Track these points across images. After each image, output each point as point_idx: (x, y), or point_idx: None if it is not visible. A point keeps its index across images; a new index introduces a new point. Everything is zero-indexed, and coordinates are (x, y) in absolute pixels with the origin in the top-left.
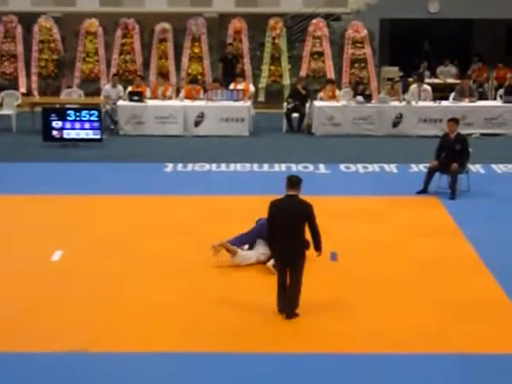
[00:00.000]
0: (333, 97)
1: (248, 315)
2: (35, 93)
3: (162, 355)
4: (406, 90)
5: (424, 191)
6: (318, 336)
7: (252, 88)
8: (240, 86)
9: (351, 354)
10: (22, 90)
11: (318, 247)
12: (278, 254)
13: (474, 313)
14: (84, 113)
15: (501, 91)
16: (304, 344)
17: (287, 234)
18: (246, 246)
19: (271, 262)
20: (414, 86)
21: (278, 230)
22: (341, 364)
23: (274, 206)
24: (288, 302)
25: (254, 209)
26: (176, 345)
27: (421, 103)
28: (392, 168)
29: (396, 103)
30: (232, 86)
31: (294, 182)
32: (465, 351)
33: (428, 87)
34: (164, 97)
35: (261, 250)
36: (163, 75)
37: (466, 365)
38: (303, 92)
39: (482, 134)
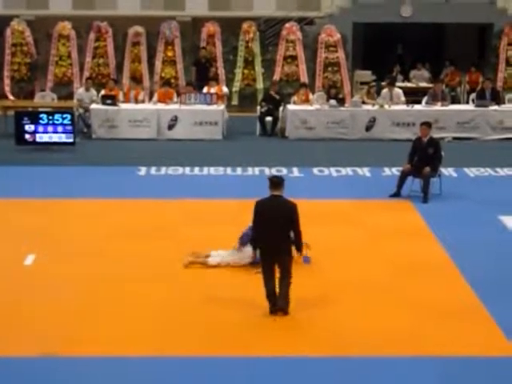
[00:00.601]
0: (306, 100)
1: (230, 318)
2: (9, 96)
3: (137, 359)
4: (379, 93)
5: (397, 195)
6: (289, 340)
7: (225, 89)
8: (213, 90)
9: (323, 358)
10: None
11: (299, 248)
12: (266, 254)
13: (447, 315)
14: (57, 116)
15: (473, 95)
16: (276, 347)
17: (275, 232)
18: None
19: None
20: (385, 90)
21: (265, 229)
22: (314, 368)
23: (261, 206)
24: (283, 300)
25: (228, 212)
26: (151, 349)
27: (394, 107)
28: (365, 171)
29: (369, 107)
30: (205, 90)
31: (276, 182)
32: (438, 354)
33: (399, 91)
34: (136, 101)
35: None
36: (136, 79)
37: (440, 367)
38: (277, 96)
39: (455, 138)
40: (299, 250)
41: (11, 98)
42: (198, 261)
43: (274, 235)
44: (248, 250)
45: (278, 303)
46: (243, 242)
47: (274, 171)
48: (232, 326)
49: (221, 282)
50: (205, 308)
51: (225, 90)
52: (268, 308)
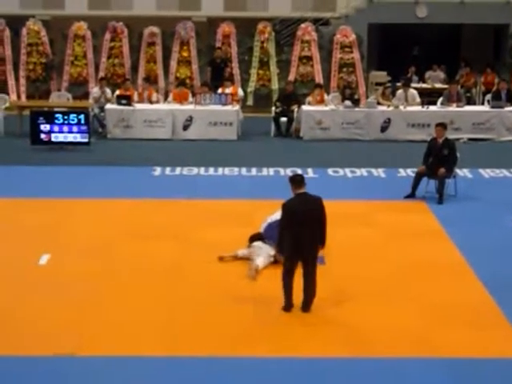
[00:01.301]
0: (321, 101)
1: (242, 315)
2: (22, 97)
3: (151, 359)
4: (394, 94)
5: (412, 196)
6: (302, 340)
7: (241, 92)
8: (228, 90)
9: (335, 358)
10: (13, 94)
11: (323, 241)
12: (297, 253)
13: (460, 317)
14: (72, 116)
15: (488, 96)
16: (287, 348)
17: (309, 231)
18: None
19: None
20: (400, 91)
21: (300, 229)
22: (324, 368)
23: (292, 206)
24: (310, 297)
25: (243, 212)
26: (165, 349)
27: (409, 108)
28: (380, 172)
29: (384, 108)
30: (220, 91)
31: (299, 180)
32: (450, 355)
33: (414, 92)
34: (150, 101)
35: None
36: (149, 79)
37: (451, 369)
38: (292, 96)
39: (470, 139)
40: (323, 243)
41: (23, 100)
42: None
43: (309, 233)
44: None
45: (304, 302)
46: (267, 235)
47: (288, 172)
48: (244, 324)
49: (231, 279)
50: (217, 306)
51: (240, 93)
52: (284, 305)
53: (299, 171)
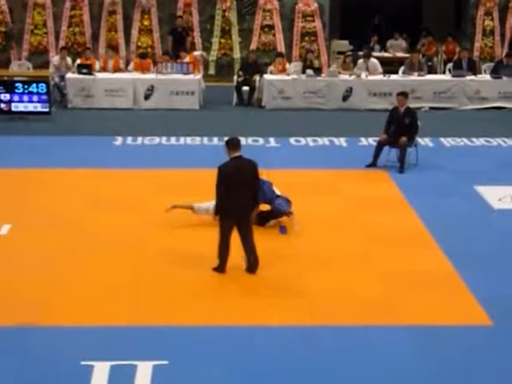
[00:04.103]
0: (283, 70)
1: (200, 286)
2: None
3: (113, 329)
4: (355, 64)
5: (373, 165)
6: (268, 309)
7: (197, 52)
8: (186, 60)
9: (300, 327)
10: None
11: (257, 202)
12: (232, 215)
13: (422, 285)
14: (32, 85)
15: (450, 65)
16: (254, 317)
17: (243, 192)
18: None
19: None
20: (361, 61)
21: (235, 191)
22: (289, 336)
23: (226, 170)
24: (255, 258)
25: (205, 182)
26: (127, 319)
27: (370, 77)
28: (341, 141)
29: (346, 77)
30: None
31: (236, 143)
32: (412, 323)
33: (376, 61)
34: (115, 69)
35: None
36: (113, 48)
37: (413, 336)
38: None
39: (431, 108)
40: (257, 205)
41: None
42: (181, 205)
43: (242, 196)
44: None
45: (249, 263)
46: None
47: (250, 141)
48: (207, 293)
49: (195, 248)
50: (176, 275)
51: (196, 53)
52: (217, 266)
53: (261, 140)
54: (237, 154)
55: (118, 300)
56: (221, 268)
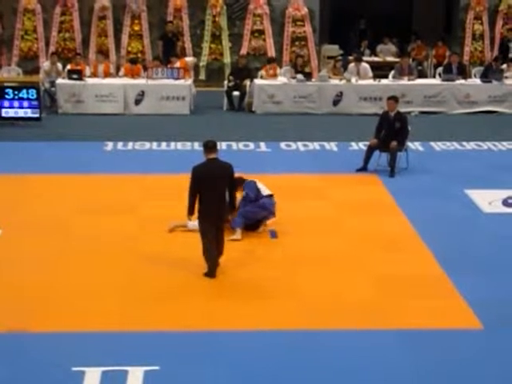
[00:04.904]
0: (274, 75)
1: (191, 291)
2: None
3: (103, 334)
4: (345, 68)
5: (364, 169)
6: (258, 313)
7: (189, 58)
8: (177, 65)
9: (291, 331)
10: None
11: (233, 206)
12: (208, 214)
13: (412, 288)
14: (23, 91)
15: (440, 69)
16: (243, 321)
17: (217, 194)
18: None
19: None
20: (352, 65)
21: (206, 191)
22: (281, 340)
23: (199, 171)
24: (218, 253)
25: None
26: (116, 323)
27: (361, 81)
28: (332, 146)
29: (336, 81)
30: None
31: (212, 145)
32: (402, 327)
33: (367, 65)
34: (105, 74)
35: None
36: (103, 53)
37: (404, 340)
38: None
39: (421, 112)
40: (233, 207)
41: None
42: (179, 224)
43: (216, 199)
44: None
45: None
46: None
47: (241, 146)
48: (190, 301)
49: (185, 253)
50: (167, 280)
51: (188, 59)
52: (206, 270)
53: (252, 145)
54: (212, 156)
55: (109, 305)
56: (211, 272)
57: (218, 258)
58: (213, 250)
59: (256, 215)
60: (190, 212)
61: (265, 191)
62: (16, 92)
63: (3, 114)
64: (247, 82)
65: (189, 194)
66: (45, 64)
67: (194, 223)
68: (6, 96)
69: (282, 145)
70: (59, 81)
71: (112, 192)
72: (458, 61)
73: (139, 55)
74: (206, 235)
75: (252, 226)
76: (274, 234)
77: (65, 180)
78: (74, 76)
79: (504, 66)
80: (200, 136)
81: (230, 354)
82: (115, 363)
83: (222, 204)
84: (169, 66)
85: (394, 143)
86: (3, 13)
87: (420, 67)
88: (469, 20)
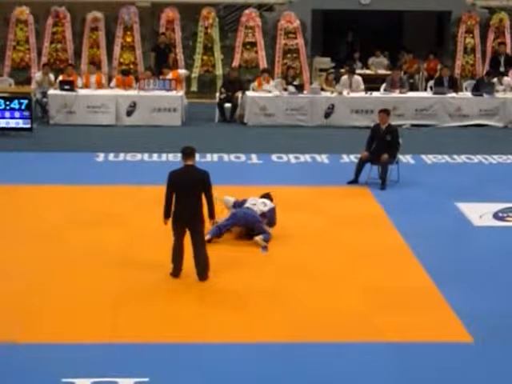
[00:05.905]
0: (267, 82)
1: (182, 302)
2: None
3: (93, 345)
4: (338, 81)
5: (355, 181)
6: (247, 325)
7: (182, 70)
8: (169, 77)
9: (280, 343)
10: None
11: (211, 215)
12: (178, 217)
13: (403, 301)
14: (14, 101)
15: (431, 83)
16: (232, 333)
17: (188, 198)
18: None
19: (259, 237)
20: (344, 77)
21: (181, 197)
22: (270, 352)
23: (174, 175)
24: (202, 265)
25: None
26: (106, 335)
27: (352, 94)
28: (323, 158)
29: (328, 94)
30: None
31: (189, 152)
32: (394, 339)
33: (359, 78)
34: (98, 85)
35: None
36: (95, 64)
37: (394, 353)
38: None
39: (413, 125)
40: (212, 216)
41: None
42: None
43: (189, 204)
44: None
45: (198, 271)
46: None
47: (232, 158)
48: (179, 312)
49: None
50: (158, 291)
51: (181, 71)
52: (171, 271)
53: (243, 157)
54: (189, 163)
55: (99, 316)
56: (174, 272)
57: (203, 266)
58: (179, 252)
59: (226, 227)
60: (166, 215)
61: (250, 203)
62: (8, 102)
63: None
64: (239, 94)
65: (165, 197)
66: (37, 75)
67: (228, 198)
68: None
69: (274, 157)
70: (51, 91)
71: (103, 203)
72: (449, 74)
73: (131, 66)
74: (175, 237)
75: (248, 235)
76: (264, 249)
77: (56, 191)
78: (66, 87)
79: (495, 80)
80: None
81: (220, 366)
82: (105, 375)
83: (195, 209)
84: (161, 77)
85: (385, 156)
86: None
87: (411, 80)
88: (460, 34)
